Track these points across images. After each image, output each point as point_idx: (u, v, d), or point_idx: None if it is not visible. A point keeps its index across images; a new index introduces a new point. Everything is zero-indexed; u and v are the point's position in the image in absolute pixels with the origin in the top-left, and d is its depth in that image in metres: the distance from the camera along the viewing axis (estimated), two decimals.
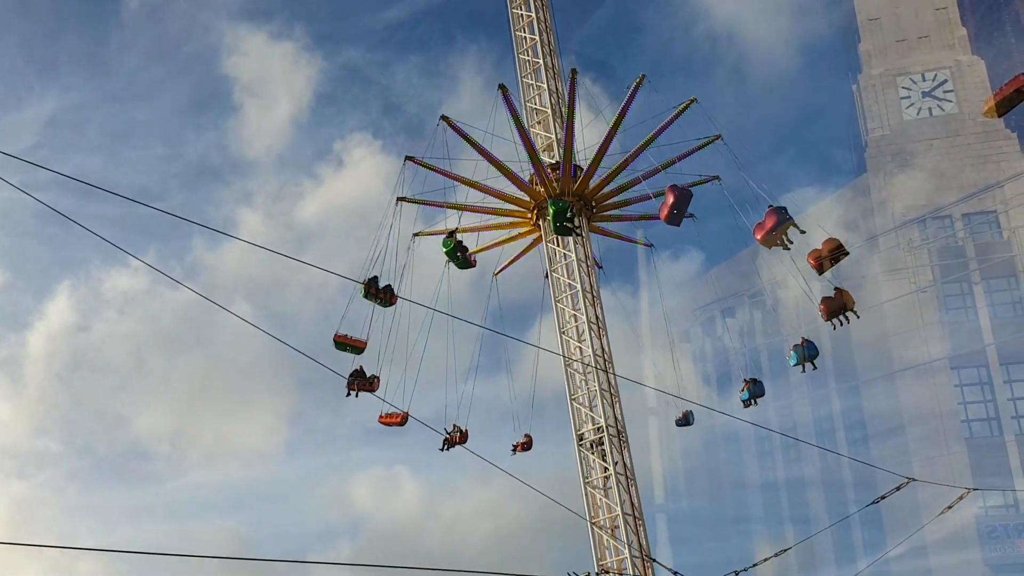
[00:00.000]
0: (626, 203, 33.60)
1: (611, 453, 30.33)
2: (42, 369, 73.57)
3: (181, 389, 71.71)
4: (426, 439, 30.53)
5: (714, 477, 58.45)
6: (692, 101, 31.69)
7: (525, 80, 35.01)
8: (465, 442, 31.93)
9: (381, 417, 31.41)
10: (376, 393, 30.56)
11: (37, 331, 73.33)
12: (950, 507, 20.48)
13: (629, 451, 31.22)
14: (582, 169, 32.24)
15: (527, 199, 32.89)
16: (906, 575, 54.30)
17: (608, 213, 33.94)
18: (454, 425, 31.87)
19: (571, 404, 31.71)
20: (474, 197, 32.89)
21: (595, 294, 32.30)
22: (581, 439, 31.19)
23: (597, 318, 32.18)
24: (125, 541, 68.63)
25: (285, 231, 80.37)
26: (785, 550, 21.12)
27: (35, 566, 63.65)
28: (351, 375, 30.62)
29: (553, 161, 32.68)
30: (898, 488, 21.04)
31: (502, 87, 30.81)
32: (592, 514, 30.30)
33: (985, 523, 53.42)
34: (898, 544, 46.71)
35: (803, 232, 27.32)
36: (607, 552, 29.81)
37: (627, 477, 30.49)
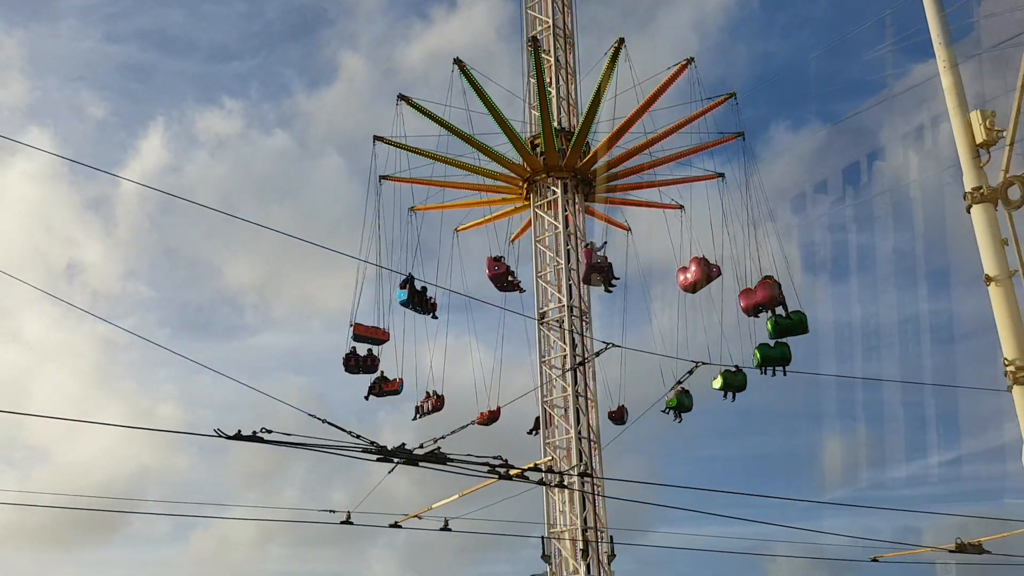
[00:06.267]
0: (634, 171, 31.66)
1: (570, 334, 29.50)
2: (134, 210, 76.01)
3: (271, 240, 72.84)
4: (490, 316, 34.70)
5: None
6: (689, 61, 29.93)
7: (529, 11, 32.86)
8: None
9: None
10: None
11: (130, 170, 74.38)
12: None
13: (591, 333, 30.30)
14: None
15: (513, 174, 31.73)
16: (977, 479, 50.73)
17: (615, 183, 32.17)
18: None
19: (536, 282, 30.93)
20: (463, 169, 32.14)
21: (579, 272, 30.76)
22: (543, 317, 30.47)
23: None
24: (204, 392, 72.64)
25: (384, 79, 78.35)
26: None
27: (116, 407, 69.14)
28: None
29: (558, 127, 31.16)
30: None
31: (457, 61, 29.37)
32: (545, 393, 29.86)
33: None
34: None
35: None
36: (556, 431, 29.47)
37: (584, 360, 29.68)
